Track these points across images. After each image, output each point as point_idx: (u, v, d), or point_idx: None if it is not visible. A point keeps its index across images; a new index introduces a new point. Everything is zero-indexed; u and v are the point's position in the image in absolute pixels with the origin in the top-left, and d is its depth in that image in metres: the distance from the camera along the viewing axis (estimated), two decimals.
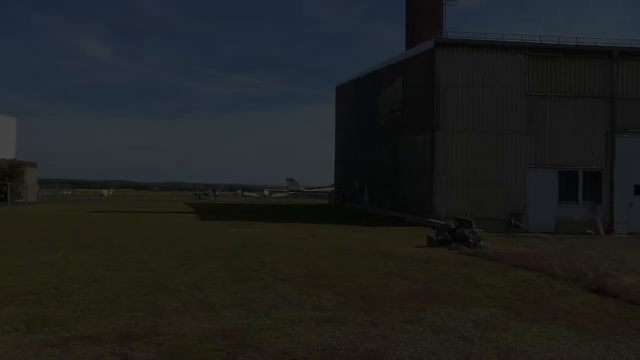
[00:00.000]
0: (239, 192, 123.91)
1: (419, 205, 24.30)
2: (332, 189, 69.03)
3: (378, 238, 16.27)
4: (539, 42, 23.33)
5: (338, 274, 8.93)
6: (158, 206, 38.33)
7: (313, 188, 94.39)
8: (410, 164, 26.00)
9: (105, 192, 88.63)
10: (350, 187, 46.08)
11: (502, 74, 22.75)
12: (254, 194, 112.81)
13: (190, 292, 7.14)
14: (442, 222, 21.57)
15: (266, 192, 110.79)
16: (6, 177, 39.02)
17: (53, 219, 21.01)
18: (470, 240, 14.01)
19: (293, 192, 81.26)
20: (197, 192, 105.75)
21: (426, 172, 23.34)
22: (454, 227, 14.41)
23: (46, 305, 6.27)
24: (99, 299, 6.59)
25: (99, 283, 7.53)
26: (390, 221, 24.75)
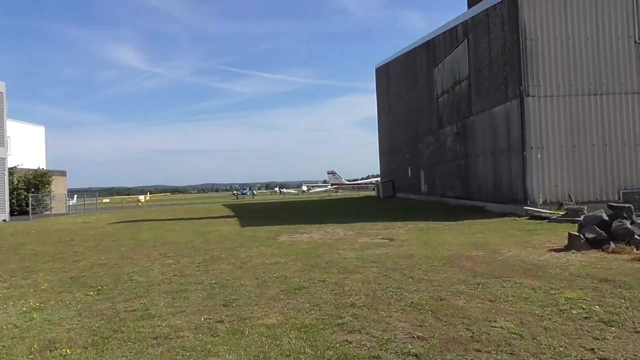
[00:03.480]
0: (277, 189, 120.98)
1: (504, 190, 19.72)
2: (377, 179, 64.68)
3: (479, 239, 11.95)
4: None
5: (506, 329, 4.74)
6: (194, 211, 34.98)
7: (357, 180, 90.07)
8: (487, 141, 21.37)
9: (142, 198, 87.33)
10: (401, 176, 41.58)
11: (605, 19, 17.83)
12: (292, 190, 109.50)
13: None
14: (545, 210, 17.01)
15: (304, 188, 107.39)
16: (31, 188, 36.61)
17: (66, 235, 17.58)
18: (637, 236, 9.50)
19: (335, 186, 77.02)
20: (235, 192, 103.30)
21: (513, 149, 18.72)
22: (606, 218, 9.88)
23: None
24: None
25: None
26: (466, 212, 20.31)
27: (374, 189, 57.61)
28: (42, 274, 9.20)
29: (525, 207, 17.41)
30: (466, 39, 23.65)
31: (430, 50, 30.57)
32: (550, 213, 16.55)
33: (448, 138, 27.20)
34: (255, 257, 10.17)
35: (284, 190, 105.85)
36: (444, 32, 27.55)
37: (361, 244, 11.89)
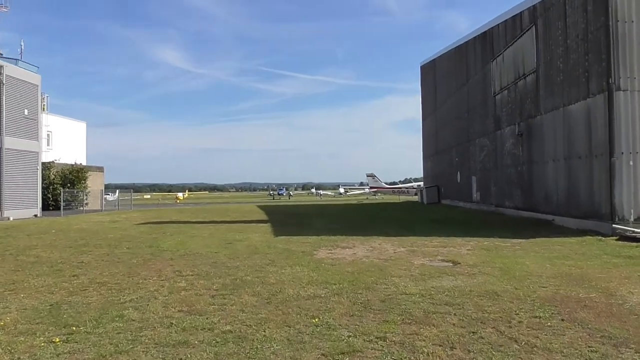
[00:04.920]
0: (313, 190, 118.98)
1: (581, 203, 16.80)
2: (419, 184, 61.60)
3: (571, 268, 9.35)
4: None
5: None
6: (227, 212, 33.31)
7: (395, 183, 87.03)
8: (559, 144, 18.45)
9: (180, 195, 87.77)
10: (447, 182, 38.65)
11: None
12: (328, 192, 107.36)
13: None
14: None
15: (342, 190, 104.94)
16: (67, 183, 35.98)
17: (84, 237, 15.95)
18: None
19: (374, 190, 74.24)
20: (271, 192, 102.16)
21: (596, 154, 15.80)
22: None
23: None
24: None
25: None
26: (533, 227, 17.57)
27: (416, 194, 54.68)
28: (22, 295, 7.33)
29: (613, 225, 14.50)
30: (534, 26, 20.74)
31: (487, 42, 27.67)
32: None
33: (507, 140, 24.27)
34: (287, 283, 7.97)
35: (321, 192, 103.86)
36: (505, 21, 24.65)
37: (419, 268, 9.51)
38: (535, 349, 4.74)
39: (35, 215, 28.49)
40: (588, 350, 4.69)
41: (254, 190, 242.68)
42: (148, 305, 6.53)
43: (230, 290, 7.36)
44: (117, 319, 5.88)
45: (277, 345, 4.86)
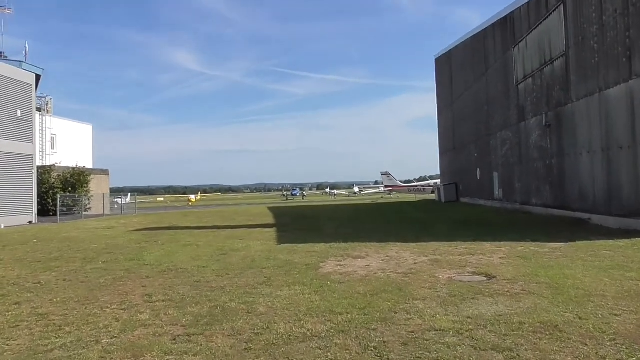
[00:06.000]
0: (327, 190, 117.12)
1: (624, 199, 14.80)
2: (436, 182, 59.44)
3: (635, 281, 7.52)
4: None
5: None
6: (235, 214, 31.68)
7: (410, 181, 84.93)
8: (595, 133, 16.42)
9: (192, 197, 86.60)
10: (466, 178, 36.59)
11: None
12: (343, 192, 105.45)
13: None
14: None
15: (356, 189, 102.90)
16: (68, 187, 34.71)
17: (62, 248, 14.34)
18: None
19: (390, 188, 72.07)
20: (284, 193, 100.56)
21: None
22: None
23: None
24: None
25: None
26: (567, 227, 15.70)
27: (432, 192, 52.59)
28: None
29: None
30: (562, 5, 18.68)
31: (507, 28, 25.62)
32: None
33: (533, 132, 22.23)
34: (280, 312, 6.22)
35: (335, 191, 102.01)
36: (528, 3, 22.61)
37: (447, 285, 7.70)
38: None
39: (30, 222, 27.13)
40: None
41: (269, 191, 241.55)
42: (81, 354, 4.80)
43: (202, 328, 5.60)
44: None
45: None
